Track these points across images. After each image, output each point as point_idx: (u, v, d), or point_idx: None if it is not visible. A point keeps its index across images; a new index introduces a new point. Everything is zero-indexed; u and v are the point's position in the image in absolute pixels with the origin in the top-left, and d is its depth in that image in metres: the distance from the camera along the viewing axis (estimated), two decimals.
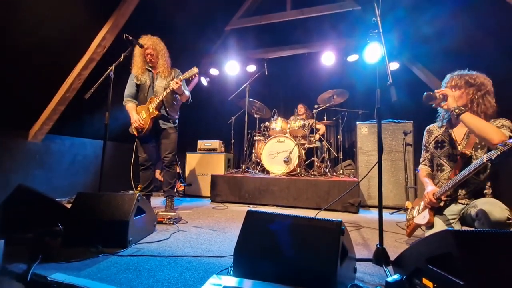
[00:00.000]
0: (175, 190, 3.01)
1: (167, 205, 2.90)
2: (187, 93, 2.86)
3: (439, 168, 1.91)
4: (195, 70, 2.70)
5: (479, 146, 1.70)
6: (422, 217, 1.85)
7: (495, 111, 1.68)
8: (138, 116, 2.71)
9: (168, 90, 2.66)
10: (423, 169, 2.04)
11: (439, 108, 1.86)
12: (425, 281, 1.10)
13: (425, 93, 1.74)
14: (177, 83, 2.62)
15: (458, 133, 1.82)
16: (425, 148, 2.05)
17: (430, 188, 1.83)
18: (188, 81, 3.12)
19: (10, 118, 3.09)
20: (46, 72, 3.05)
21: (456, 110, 1.60)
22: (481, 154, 1.66)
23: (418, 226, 1.92)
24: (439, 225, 1.75)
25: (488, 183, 1.70)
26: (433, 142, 1.95)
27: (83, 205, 1.81)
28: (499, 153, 1.33)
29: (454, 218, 1.77)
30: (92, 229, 1.72)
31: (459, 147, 1.78)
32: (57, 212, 1.88)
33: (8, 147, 3.09)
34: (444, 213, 1.81)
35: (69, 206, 1.89)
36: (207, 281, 0.94)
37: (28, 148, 3.30)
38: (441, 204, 1.80)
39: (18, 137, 3.22)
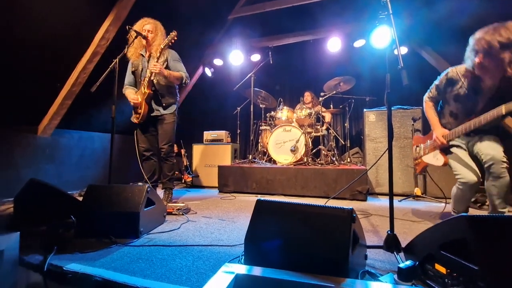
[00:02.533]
0: (173, 183, 2.95)
1: (164, 197, 2.83)
2: (177, 74, 2.69)
3: (452, 113, 2.00)
4: (173, 33, 2.56)
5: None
6: (435, 158, 1.99)
7: None
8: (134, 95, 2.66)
9: (150, 73, 2.54)
10: (430, 104, 2.13)
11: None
12: (438, 266, 1.09)
13: None
14: (154, 65, 2.49)
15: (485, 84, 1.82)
16: (437, 88, 2.08)
17: (439, 131, 1.96)
18: (189, 72, 3.07)
19: (19, 114, 3.13)
20: (52, 68, 3.06)
21: None
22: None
23: (427, 165, 2.09)
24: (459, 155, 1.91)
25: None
26: (453, 87, 1.97)
27: (94, 198, 1.84)
28: None
29: (462, 146, 1.98)
30: (104, 220, 1.75)
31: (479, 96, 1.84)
32: (69, 204, 1.92)
33: (19, 142, 3.15)
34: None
35: (80, 199, 1.93)
36: (220, 269, 0.95)
37: (38, 143, 3.35)
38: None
39: (28, 132, 3.27)
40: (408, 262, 1.08)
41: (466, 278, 0.96)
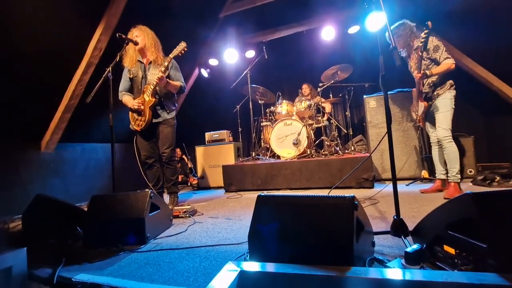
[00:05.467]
0: (178, 187, 2.95)
1: (170, 202, 2.83)
2: (176, 83, 2.72)
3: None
4: (182, 44, 2.58)
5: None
6: (422, 106, 2.64)
7: None
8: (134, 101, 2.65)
9: (155, 82, 2.55)
10: None
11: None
12: (447, 247, 1.07)
13: None
14: (158, 78, 2.51)
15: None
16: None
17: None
18: (185, 74, 3.05)
19: (22, 132, 3.17)
20: (49, 82, 3.08)
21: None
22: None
23: (423, 118, 2.74)
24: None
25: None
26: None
27: (99, 207, 1.85)
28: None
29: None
30: (110, 229, 1.76)
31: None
32: (76, 216, 1.93)
33: (24, 160, 3.18)
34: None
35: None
36: (223, 267, 0.94)
37: (42, 158, 3.38)
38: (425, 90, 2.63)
39: (31, 149, 3.30)
40: (415, 246, 1.05)
41: (476, 257, 0.94)
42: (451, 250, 1.04)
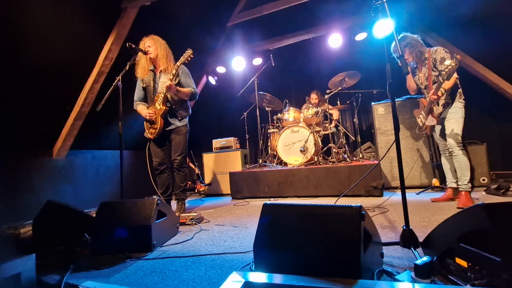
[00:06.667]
0: (186, 193, 2.97)
1: (177, 208, 2.86)
2: (187, 90, 2.76)
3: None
4: (189, 51, 2.63)
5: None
6: (431, 120, 2.62)
7: None
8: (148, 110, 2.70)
9: (165, 89, 2.59)
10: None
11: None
12: (459, 260, 1.03)
13: None
14: (166, 86, 2.56)
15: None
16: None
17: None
18: (196, 81, 3.09)
19: (34, 139, 3.25)
20: (61, 91, 3.17)
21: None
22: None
23: (431, 127, 2.76)
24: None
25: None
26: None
27: (107, 214, 1.87)
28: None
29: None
30: (117, 235, 1.77)
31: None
32: (85, 222, 1.95)
33: (36, 166, 3.26)
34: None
35: None
36: (228, 278, 0.93)
37: (54, 165, 3.46)
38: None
39: (43, 156, 3.39)
40: (425, 258, 1.02)
41: (489, 270, 0.91)
42: (463, 263, 1.01)
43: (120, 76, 2.32)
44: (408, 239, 1.25)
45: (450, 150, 2.55)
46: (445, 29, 3.86)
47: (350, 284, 0.81)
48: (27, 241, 1.97)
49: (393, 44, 2.52)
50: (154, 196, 3.23)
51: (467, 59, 3.75)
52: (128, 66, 2.41)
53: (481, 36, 3.49)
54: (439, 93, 2.38)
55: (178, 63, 2.65)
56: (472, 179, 2.71)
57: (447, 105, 2.55)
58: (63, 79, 3.11)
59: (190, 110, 3.00)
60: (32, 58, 2.77)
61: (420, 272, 0.98)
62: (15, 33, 2.56)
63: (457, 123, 2.46)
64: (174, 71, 2.64)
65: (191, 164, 5.09)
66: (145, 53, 2.66)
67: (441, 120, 2.61)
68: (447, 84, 2.39)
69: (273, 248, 1.09)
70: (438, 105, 2.59)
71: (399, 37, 2.70)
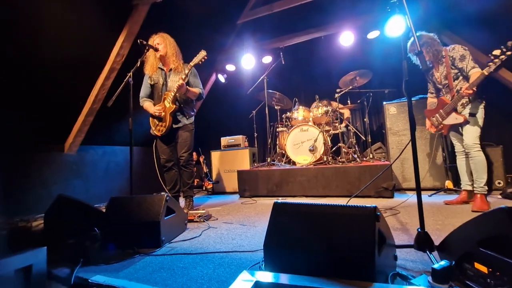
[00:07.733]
0: (193, 190, 2.97)
1: (185, 205, 2.86)
2: (195, 90, 2.78)
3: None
4: (203, 53, 2.62)
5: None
6: (454, 118, 2.49)
7: None
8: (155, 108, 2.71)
9: (175, 89, 2.60)
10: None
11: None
12: (478, 265, 0.99)
13: None
14: (178, 85, 2.57)
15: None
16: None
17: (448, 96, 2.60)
18: (203, 80, 3.09)
19: (46, 134, 3.31)
20: (73, 87, 3.21)
21: None
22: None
23: (450, 126, 2.59)
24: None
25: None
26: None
27: (117, 209, 1.88)
28: None
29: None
30: (126, 230, 1.78)
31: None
32: (95, 217, 1.97)
33: (47, 161, 3.31)
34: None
35: None
36: (238, 277, 0.91)
37: (65, 160, 3.51)
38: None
39: (55, 150, 3.44)
40: (443, 262, 0.98)
41: (511, 277, 0.86)
42: (483, 269, 0.96)
43: (131, 73, 2.33)
44: (423, 242, 1.21)
45: (467, 151, 2.47)
46: (460, 27, 3.75)
47: (366, 287, 0.78)
48: (38, 234, 2.01)
49: (409, 42, 2.45)
50: (162, 193, 3.25)
51: (483, 59, 3.63)
52: (139, 62, 2.43)
53: (498, 35, 3.37)
54: (475, 88, 2.28)
55: (191, 64, 2.65)
56: (489, 182, 2.61)
57: (467, 104, 2.47)
58: (76, 75, 3.14)
59: (195, 110, 3.01)
60: (46, 55, 2.81)
61: (438, 277, 0.94)
62: (29, 31, 2.59)
63: (476, 123, 2.38)
64: (187, 71, 2.65)
65: (201, 159, 5.07)
66: (156, 50, 2.67)
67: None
68: (473, 83, 2.31)
69: (284, 247, 1.07)
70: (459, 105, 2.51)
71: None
